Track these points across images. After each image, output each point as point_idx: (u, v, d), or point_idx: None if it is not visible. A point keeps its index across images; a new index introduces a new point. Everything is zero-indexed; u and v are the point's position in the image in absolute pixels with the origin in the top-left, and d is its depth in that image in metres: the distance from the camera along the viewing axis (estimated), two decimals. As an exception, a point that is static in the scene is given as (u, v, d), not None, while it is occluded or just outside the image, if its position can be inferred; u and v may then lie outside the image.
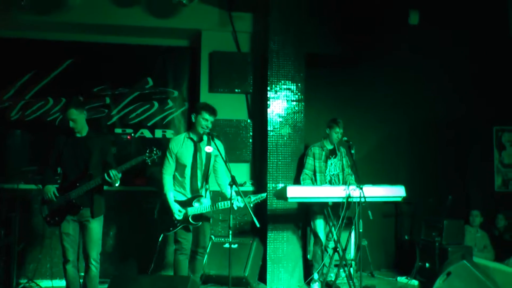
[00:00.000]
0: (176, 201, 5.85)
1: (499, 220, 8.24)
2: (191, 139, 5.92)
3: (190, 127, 6.10)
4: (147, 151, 5.63)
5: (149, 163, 5.64)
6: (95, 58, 7.93)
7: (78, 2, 7.41)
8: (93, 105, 7.82)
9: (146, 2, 7.46)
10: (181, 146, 5.88)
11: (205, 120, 5.82)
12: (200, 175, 5.91)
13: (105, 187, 5.80)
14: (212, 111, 5.87)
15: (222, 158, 5.78)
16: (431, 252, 7.28)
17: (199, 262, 6.08)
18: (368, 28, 7.73)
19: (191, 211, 5.82)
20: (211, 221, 6.22)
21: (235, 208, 5.64)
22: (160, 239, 6.05)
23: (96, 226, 5.68)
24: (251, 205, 5.60)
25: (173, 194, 5.87)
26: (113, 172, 5.43)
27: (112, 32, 7.89)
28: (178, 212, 5.78)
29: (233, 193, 5.52)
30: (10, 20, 7.48)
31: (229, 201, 5.59)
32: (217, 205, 5.85)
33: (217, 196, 6.15)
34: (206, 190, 6.01)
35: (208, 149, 5.88)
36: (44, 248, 7.30)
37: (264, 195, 5.94)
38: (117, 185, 5.55)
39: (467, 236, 7.81)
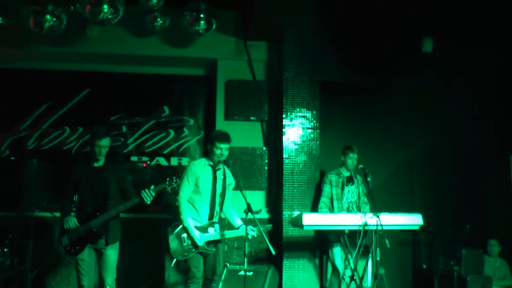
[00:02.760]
0: None
1: (518, 249, 8.10)
2: (211, 166, 5.93)
3: (207, 154, 6.10)
4: (167, 179, 5.69)
5: (169, 192, 5.71)
6: (112, 88, 8.03)
7: (95, 33, 7.51)
8: (110, 134, 7.86)
9: (162, 32, 7.56)
10: (203, 171, 5.88)
11: (219, 149, 5.83)
12: (218, 202, 5.92)
13: (121, 215, 5.83)
14: (224, 138, 5.86)
15: (239, 185, 5.73)
16: (449, 282, 7.17)
17: None
18: (382, 55, 7.77)
19: (207, 237, 5.80)
20: (226, 248, 6.17)
21: (249, 237, 5.64)
22: (172, 265, 5.99)
23: (111, 253, 5.70)
24: (262, 233, 5.58)
25: (192, 220, 5.82)
26: (148, 193, 5.51)
27: (128, 62, 8.01)
28: (199, 239, 5.72)
29: (242, 222, 5.63)
30: (29, 52, 7.64)
31: (241, 230, 5.63)
32: (230, 233, 5.86)
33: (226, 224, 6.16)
34: (220, 217, 6.01)
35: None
36: (58, 275, 7.30)
37: (269, 226, 6.06)
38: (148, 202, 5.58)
39: (486, 265, 7.67)
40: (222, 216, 6.10)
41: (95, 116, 7.88)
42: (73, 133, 7.92)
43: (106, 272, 5.64)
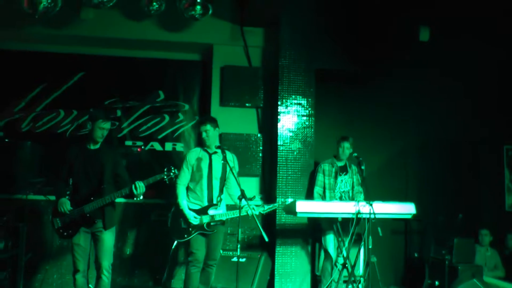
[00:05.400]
0: (191, 210, 5.92)
1: (509, 239, 8.12)
2: (206, 151, 6.05)
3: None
4: (165, 170, 5.71)
5: (167, 182, 5.71)
6: (107, 71, 7.97)
7: (90, 16, 7.43)
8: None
9: (158, 16, 7.46)
10: (198, 157, 6.01)
11: (204, 132, 5.98)
12: (216, 186, 6.03)
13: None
14: (201, 121, 6.14)
15: (233, 171, 5.80)
16: (440, 270, 7.20)
17: (211, 274, 6.05)
18: (379, 44, 7.74)
19: (206, 218, 5.87)
20: (229, 230, 6.22)
21: (256, 213, 5.68)
22: (173, 246, 6.01)
23: (108, 237, 5.68)
24: (264, 213, 5.59)
25: (186, 202, 5.94)
26: (139, 184, 5.45)
27: (124, 46, 7.94)
28: (193, 218, 5.84)
29: (245, 202, 5.59)
30: (23, 33, 7.56)
31: (243, 210, 5.64)
32: (231, 213, 5.94)
33: (233, 208, 6.16)
34: (221, 200, 6.07)
35: None
36: (52, 258, 7.30)
37: (276, 205, 6.12)
38: (140, 198, 5.55)
39: (477, 255, 7.71)
40: (228, 199, 6.19)
41: (89, 100, 7.81)
42: (68, 116, 7.87)
43: (103, 256, 5.63)
